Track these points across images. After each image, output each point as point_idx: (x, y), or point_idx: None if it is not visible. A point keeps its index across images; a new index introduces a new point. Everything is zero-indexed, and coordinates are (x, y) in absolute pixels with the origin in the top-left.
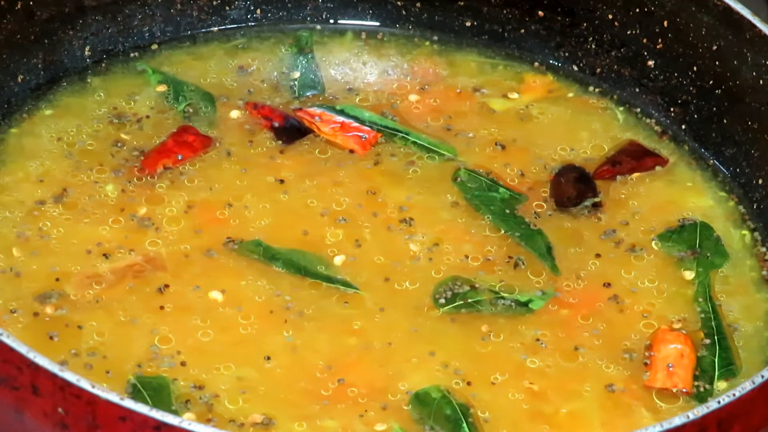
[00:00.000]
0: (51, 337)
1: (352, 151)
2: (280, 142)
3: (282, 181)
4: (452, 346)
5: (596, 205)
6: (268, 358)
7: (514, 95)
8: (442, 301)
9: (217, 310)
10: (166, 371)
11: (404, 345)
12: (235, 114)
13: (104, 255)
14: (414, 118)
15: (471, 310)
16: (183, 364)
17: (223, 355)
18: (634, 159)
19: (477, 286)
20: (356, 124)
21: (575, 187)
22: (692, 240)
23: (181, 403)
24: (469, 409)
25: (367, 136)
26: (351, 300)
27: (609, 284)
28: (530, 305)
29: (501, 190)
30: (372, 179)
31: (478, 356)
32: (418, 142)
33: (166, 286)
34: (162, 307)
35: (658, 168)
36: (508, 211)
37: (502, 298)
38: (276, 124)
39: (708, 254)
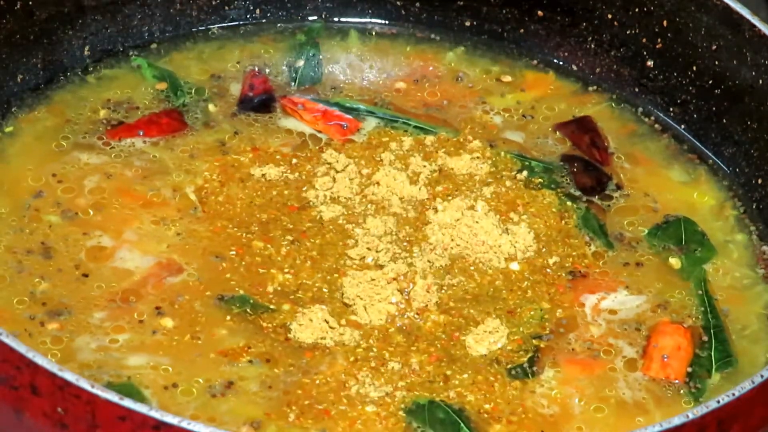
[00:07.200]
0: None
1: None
2: (236, 107)
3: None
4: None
5: (618, 187)
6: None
7: (514, 95)
8: (535, 340)
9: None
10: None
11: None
12: (232, 108)
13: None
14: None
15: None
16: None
17: (200, 364)
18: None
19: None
20: (339, 113)
21: (590, 176)
22: (677, 235)
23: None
24: (463, 412)
25: (347, 125)
26: None
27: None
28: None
29: (533, 163)
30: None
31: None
32: (419, 125)
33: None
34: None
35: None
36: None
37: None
38: (250, 94)
39: (695, 249)
